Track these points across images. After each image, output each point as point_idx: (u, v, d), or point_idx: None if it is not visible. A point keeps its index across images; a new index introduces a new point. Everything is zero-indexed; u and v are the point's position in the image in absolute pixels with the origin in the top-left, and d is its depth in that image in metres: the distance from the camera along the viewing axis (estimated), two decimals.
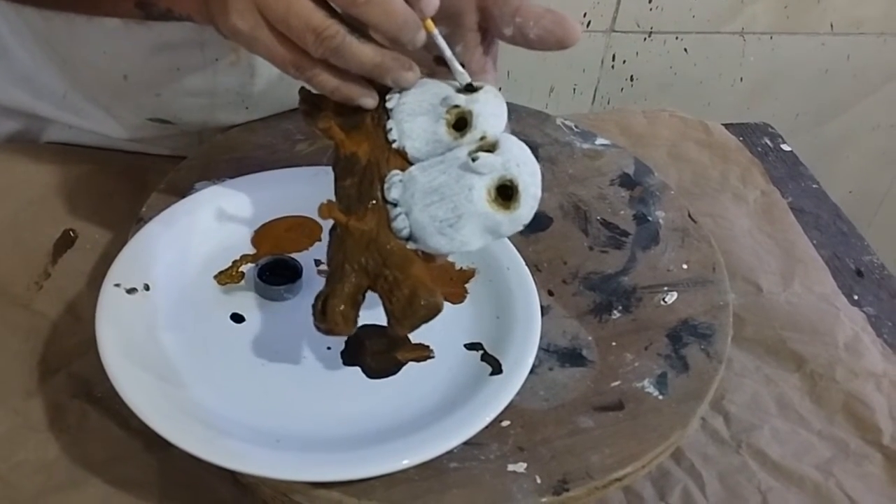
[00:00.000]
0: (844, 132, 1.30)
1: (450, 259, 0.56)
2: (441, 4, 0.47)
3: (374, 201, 0.46)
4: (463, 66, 0.49)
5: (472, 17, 0.51)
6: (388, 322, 0.45)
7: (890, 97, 1.28)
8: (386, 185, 0.46)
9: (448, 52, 0.48)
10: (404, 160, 0.47)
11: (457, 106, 0.47)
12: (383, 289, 0.45)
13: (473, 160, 0.45)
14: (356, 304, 0.45)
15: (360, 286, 0.45)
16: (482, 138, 0.46)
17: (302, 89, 0.51)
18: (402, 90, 0.48)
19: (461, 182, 0.45)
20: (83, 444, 0.50)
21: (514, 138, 0.46)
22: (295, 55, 0.46)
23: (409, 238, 0.46)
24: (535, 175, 0.45)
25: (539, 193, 0.45)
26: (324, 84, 0.47)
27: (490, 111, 0.47)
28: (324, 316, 0.45)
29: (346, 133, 0.48)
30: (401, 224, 0.45)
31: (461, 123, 0.47)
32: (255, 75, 0.66)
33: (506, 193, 0.45)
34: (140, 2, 0.55)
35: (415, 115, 0.47)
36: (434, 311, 0.44)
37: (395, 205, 0.46)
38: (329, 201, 0.46)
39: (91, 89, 0.66)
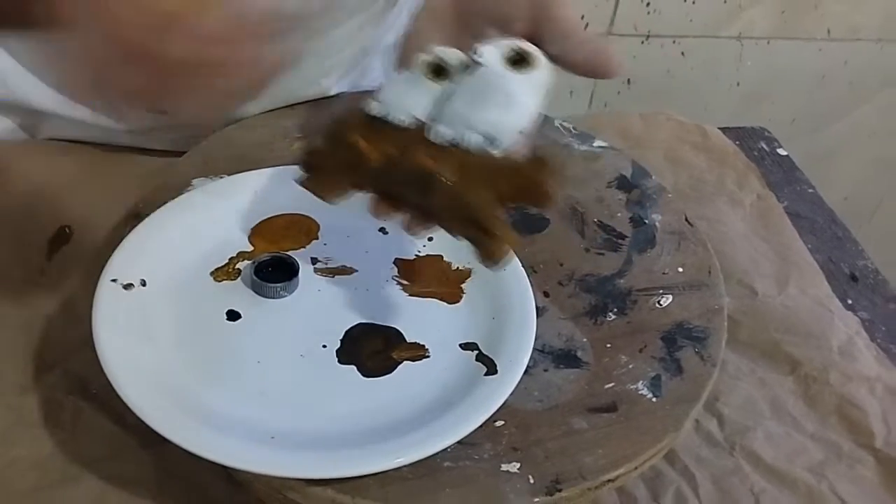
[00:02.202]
0: (840, 138, 1.30)
1: (446, 259, 0.57)
2: (491, 7, 0.47)
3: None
4: None
5: (522, 26, 0.51)
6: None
7: (886, 104, 1.28)
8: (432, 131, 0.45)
9: None
10: (422, 131, 0.46)
11: (424, 61, 0.46)
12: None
13: (475, 53, 0.45)
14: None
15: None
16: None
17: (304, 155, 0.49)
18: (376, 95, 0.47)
19: (481, 78, 0.45)
20: (78, 441, 0.50)
21: None
22: None
23: (487, 142, 0.45)
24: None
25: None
26: None
27: (453, 53, 0.47)
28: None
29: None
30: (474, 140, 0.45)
31: (439, 70, 0.46)
32: None
33: (519, 61, 0.46)
34: None
35: (402, 97, 0.46)
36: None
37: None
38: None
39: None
